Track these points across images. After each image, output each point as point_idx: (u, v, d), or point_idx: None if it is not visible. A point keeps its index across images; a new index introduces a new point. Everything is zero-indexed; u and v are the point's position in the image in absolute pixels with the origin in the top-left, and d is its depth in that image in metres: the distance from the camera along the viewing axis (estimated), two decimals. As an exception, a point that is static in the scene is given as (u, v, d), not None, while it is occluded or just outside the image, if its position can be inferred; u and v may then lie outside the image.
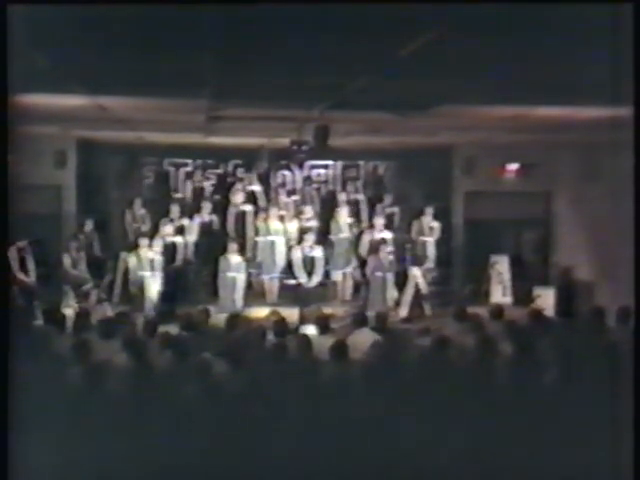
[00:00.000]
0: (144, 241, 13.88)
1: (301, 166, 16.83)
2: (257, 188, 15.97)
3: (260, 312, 12.67)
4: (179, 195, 16.82)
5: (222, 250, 14.30)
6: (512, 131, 12.95)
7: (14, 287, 12.44)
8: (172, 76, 8.07)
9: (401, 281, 14.40)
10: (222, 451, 6.13)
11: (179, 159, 17.10)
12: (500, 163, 16.49)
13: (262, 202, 15.80)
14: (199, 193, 16.90)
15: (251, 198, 15.72)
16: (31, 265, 13.44)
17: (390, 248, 14.31)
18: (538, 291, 15.08)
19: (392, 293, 14.17)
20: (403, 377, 7.29)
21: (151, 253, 13.67)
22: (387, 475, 6.24)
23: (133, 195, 16.07)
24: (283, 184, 17.01)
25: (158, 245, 13.98)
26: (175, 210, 15.09)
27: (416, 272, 14.56)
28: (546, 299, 14.70)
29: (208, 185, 17.06)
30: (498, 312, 10.07)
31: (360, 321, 9.55)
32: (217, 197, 16.48)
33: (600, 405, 6.20)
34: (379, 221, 14.92)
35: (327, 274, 14.91)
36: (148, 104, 10.61)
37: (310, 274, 14.35)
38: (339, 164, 17.41)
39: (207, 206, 15.38)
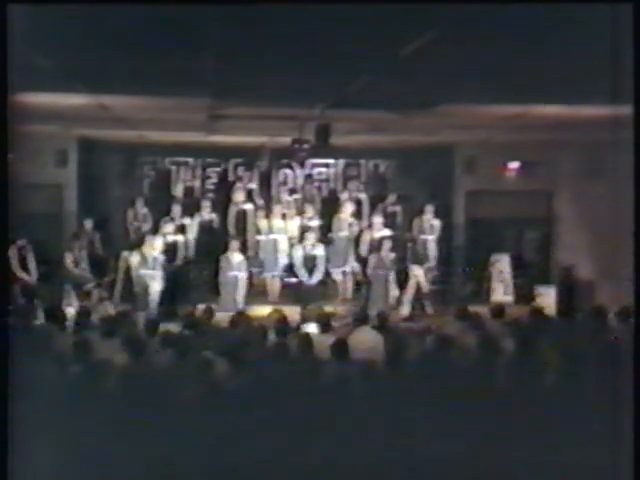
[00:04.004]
0: (145, 240, 13.88)
1: (302, 165, 16.81)
2: (254, 186, 16.00)
3: (261, 311, 12.66)
4: (180, 194, 16.79)
5: (223, 249, 14.31)
6: (513, 130, 12.96)
7: (15, 286, 12.46)
8: (173, 75, 8.08)
9: (402, 280, 14.41)
10: (224, 450, 6.14)
11: (180, 158, 17.10)
12: (501, 162, 16.49)
13: (259, 200, 15.83)
14: (200, 192, 16.91)
15: (251, 196, 15.76)
16: (32, 264, 13.46)
17: (391, 246, 14.30)
18: (539, 290, 15.08)
19: (393, 292, 14.17)
20: (404, 376, 7.30)
21: (152, 252, 13.66)
22: (388, 474, 6.25)
23: (134, 194, 16.08)
24: (284, 182, 17.03)
25: (159, 244, 13.97)
26: (176, 209, 15.10)
27: (417, 271, 14.57)
28: (547, 298, 14.69)
29: (209, 184, 17.08)
30: (499, 311, 10.08)
31: (361, 320, 9.55)
32: (218, 196, 16.47)
33: (600, 404, 6.20)
34: (380, 220, 14.91)
35: (328, 272, 14.91)
36: (149, 103, 10.62)
37: (311, 272, 14.37)
38: (340, 163, 17.39)
39: (208, 205, 15.38)
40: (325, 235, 15.17)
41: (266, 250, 14.98)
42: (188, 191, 16.94)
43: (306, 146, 12.79)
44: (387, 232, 14.71)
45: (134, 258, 13.66)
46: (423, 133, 14.10)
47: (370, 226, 15.03)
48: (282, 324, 9.06)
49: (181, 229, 14.79)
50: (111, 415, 6.32)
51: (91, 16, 5.43)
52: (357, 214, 15.53)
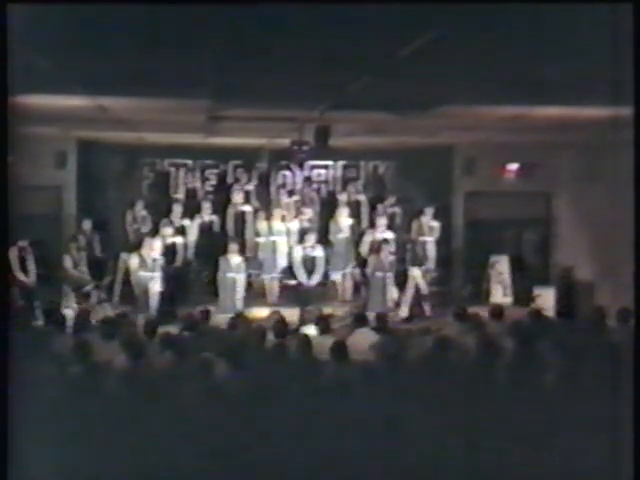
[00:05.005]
0: (144, 242, 13.87)
1: (301, 166, 16.80)
2: (251, 188, 16.01)
3: (260, 312, 12.67)
4: (179, 195, 16.79)
5: (222, 250, 14.30)
6: (512, 131, 12.96)
7: (15, 288, 12.46)
8: (172, 76, 8.07)
9: (401, 281, 14.40)
10: (222, 452, 6.13)
11: (180, 159, 17.08)
12: (500, 163, 16.50)
13: (258, 202, 15.84)
14: (199, 193, 16.90)
15: (250, 198, 15.77)
16: (32, 266, 13.46)
17: (391, 248, 14.29)
18: (538, 291, 15.07)
19: (392, 293, 14.16)
20: (403, 377, 7.29)
21: (151, 254, 13.65)
22: (389, 475, 6.24)
23: (133, 196, 16.07)
24: (283, 184, 17.02)
25: (158, 246, 13.96)
26: (175, 211, 15.09)
27: (416, 272, 14.55)
28: (546, 299, 14.69)
29: (208, 185, 17.07)
30: (498, 312, 10.07)
31: (360, 321, 9.56)
32: (217, 197, 16.46)
33: (600, 405, 6.20)
34: (381, 221, 14.88)
35: (327, 274, 14.91)
36: (148, 104, 10.61)
37: (310, 274, 14.36)
38: (339, 164, 17.37)
39: (207, 206, 15.39)
40: (325, 237, 15.17)
41: (265, 252, 14.99)
42: (187, 193, 16.92)
43: (305, 148, 12.78)
44: (389, 234, 14.69)
45: (133, 260, 13.65)
46: (422, 134, 14.10)
47: (370, 228, 15.04)
48: (281, 326, 9.06)
49: (180, 231, 14.79)
50: (110, 416, 6.31)
51: (90, 17, 5.42)
52: (356, 216, 15.54)
